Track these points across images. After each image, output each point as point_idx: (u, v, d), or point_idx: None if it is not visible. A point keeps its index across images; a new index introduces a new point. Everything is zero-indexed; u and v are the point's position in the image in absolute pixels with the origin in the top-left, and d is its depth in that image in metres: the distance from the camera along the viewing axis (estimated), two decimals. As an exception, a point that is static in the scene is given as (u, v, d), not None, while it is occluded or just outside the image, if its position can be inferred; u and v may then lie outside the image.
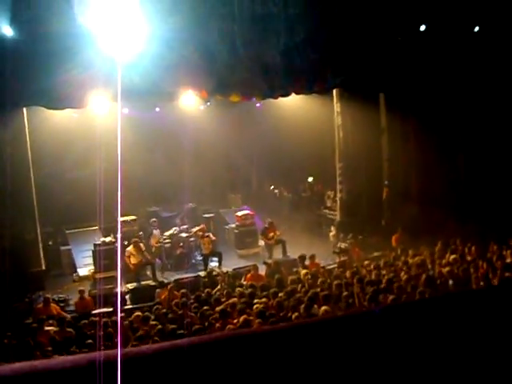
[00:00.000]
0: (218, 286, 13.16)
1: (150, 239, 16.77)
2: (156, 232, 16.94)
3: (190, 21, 13.43)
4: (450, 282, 11.45)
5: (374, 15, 15.67)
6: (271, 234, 17.11)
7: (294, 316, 9.68)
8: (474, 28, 16.73)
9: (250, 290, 11.86)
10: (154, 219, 17.71)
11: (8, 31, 12.77)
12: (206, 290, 12.55)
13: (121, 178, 4.70)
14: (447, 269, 12.19)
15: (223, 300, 11.54)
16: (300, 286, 12.06)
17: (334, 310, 9.93)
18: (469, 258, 13.41)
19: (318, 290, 11.28)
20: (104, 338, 9.66)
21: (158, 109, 20.16)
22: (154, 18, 12.66)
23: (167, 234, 17.66)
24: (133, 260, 15.15)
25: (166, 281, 14.71)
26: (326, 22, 15.36)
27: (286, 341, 1.90)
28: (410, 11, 15.90)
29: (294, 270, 14.54)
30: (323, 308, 9.84)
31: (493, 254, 13.39)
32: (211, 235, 17.02)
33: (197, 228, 17.13)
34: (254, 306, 10.49)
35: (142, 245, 15.55)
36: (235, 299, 11.28)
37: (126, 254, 15.19)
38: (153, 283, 14.91)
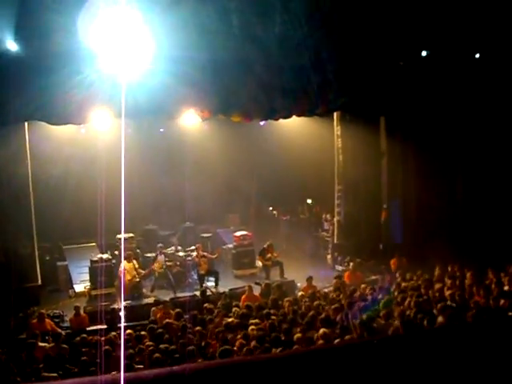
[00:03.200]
0: (207, 304, 13.09)
1: (153, 263, 16.51)
2: (160, 258, 16.56)
3: (194, 40, 13.51)
4: (449, 303, 11.39)
5: (377, 40, 15.78)
6: (268, 255, 17.10)
7: (295, 337, 9.63)
8: (474, 55, 16.86)
9: (243, 310, 11.83)
10: (160, 244, 17.34)
11: (12, 46, 12.84)
12: (205, 307, 12.53)
13: (124, 196, 4.71)
14: (448, 293, 12.16)
15: (217, 320, 11.52)
16: (296, 308, 12.02)
17: (330, 333, 9.88)
18: (466, 284, 13.37)
19: (314, 312, 11.25)
20: (98, 356, 9.61)
21: (162, 130, 20.16)
22: (158, 36, 12.73)
23: (160, 245, 17.57)
24: (126, 276, 15.11)
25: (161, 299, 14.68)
26: (328, 45, 15.47)
27: (285, 369, 1.89)
28: (413, 37, 16.02)
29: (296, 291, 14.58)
30: (321, 330, 9.79)
31: (491, 280, 13.35)
32: (209, 254, 17.02)
33: (195, 253, 16.99)
34: (249, 328, 10.45)
35: (135, 261, 15.47)
36: (229, 319, 11.29)
37: (120, 269, 15.23)
38: (149, 301, 14.85)
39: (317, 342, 9.28)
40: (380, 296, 12.64)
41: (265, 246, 17.40)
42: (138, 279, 15.49)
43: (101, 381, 1.72)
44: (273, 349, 8.97)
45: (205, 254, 16.93)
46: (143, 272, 15.94)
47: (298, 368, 1.92)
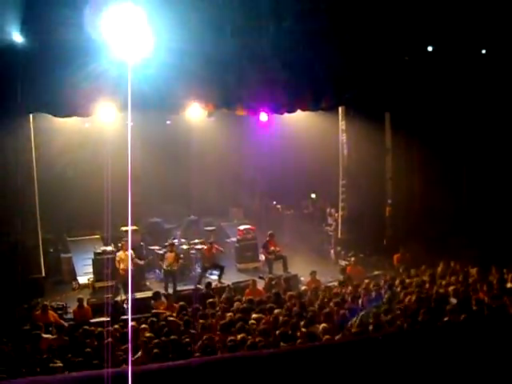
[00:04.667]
0: (212, 299, 13.10)
1: (162, 262, 16.26)
2: (168, 255, 16.28)
3: (200, 33, 13.51)
4: (453, 300, 11.38)
5: (383, 35, 15.75)
6: (272, 248, 17.12)
7: (299, 331, 9.62)
8: (481, 50, 16.80)
9: (246, 304, 11.85)
10: (170, 242, 17.27)
11: (18, 38, 12.86)
12: (208, 302, 12.57)
13: (130, 188, 4.73)
14: (450, 288, 12.16)
15: (219, 314, 11.54)
16: (299, 302, 12.03)
17: (331, 328, 9.89)
18: (470, 280, 13.37)
19: (317, 307, 11.28)
20: (101, 348, 9.64)
21: (168, 122, 20.01)
22: (163, 29, 12.72)
23: (170, 241, 17.52)
24: (122, 265, 15.14)
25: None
26: (333, 40, 15.44)
27: (291, 364, 1.90)
28: (418, 32, 15.98)
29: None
30: (322, 325, 9.81)
31: (494, 277, 13.34)
32: (219, 248, 17.08)
33: (205, 246, 16.96)
34: (250, 322, 10.48)
35: (132, 251, 15.39)
36: (231, 314, 11.30)
37: (117, 258, 15.25)
38: (150, 294, 14.85)
39: (319, 336, 9.29)
40: (383, 291, 12.65)
41: (267, 238, 17.42)
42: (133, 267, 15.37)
43: (107, 373, 1.73)
44: (280, 343, 8.99)
45: (214, 246, 16.99)
46: (140, 262, 15.88)
47: (304, 363, 1.94)
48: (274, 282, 14.84)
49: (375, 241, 18.25)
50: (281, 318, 10.55)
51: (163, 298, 13.82)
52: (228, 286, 14.77)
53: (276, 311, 11.10)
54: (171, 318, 11.38)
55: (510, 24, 15.62)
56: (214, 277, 16.43)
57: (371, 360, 2.04)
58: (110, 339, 9.65)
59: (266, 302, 12.10)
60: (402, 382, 2.14)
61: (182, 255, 17.08)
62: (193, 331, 10.36)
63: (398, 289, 12.68)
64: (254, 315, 11.02)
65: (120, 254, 15.35)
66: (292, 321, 10.29)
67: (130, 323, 10.98)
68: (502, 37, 16.17)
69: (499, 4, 15.44)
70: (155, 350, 9.05)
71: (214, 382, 1.83)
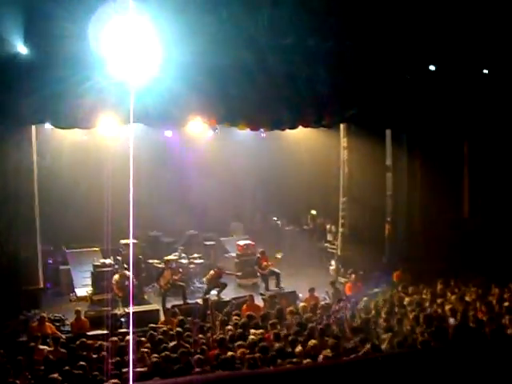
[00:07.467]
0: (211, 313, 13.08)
1: (159, 280, 16.10)
2: (166, 273, 16.04)
3: (204, 47, 13.56)
4: (451, 320, 11.34)
5: (385, 53, 15.82)
6: (264, 264, 17.13)
7: (297, 350, 9.55)
8: (482, 70, 16.89)
9: (244, 320, 11.81)
10: (170, 257, 17.26)
11: (22, 49, 12.91)
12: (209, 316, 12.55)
13: (132, 201, 4.74)
14: (448, 307, 12.12)
15: (219, 330, 11.50)
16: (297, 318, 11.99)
17: (321, 344, 9.84)
18: (468, 299, 13.32)
19: (314, 323, 11.23)
20: (98, 361, 9.61)
21: (170, 132, 19.94)
22: (166, 43, 12.78)
23: (167, 258, 17.45)
24: (118, 288, 15.01)
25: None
26: (336, 57, 15.51)
27: (290, 383, 1.89)
28: (421, 51, 16.06)
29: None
30: (312, 342, 9.76)
31: (493, 296, 13.30)
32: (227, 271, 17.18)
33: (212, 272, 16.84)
34: (250, 337, 10.43)
35: (127, 274, 15.23)
36: (230, 328, 11.26)
37: (113, 281, 15.08)
38: (149, 308, 14.81)
39: (310, 352, 9.24)
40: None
41: (258, 255, 17.46)
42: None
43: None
44: (277, 360, 8.94)
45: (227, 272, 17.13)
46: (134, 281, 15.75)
47: (304, 382, 1.93)
48: (275, 299, 14.83)
49: (375, 258, 18.18)
50: (280, 334, 10.52)
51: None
52: (229, 300, 14.73)
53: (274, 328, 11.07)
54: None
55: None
56: (213, 292, 16.35)
57: (370, 381, 2.02)
58: (106, 353, 9.62)
59: (266, 318, 12.05)
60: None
61: (180, 269, 17.02)
62: (188, 345, 10.31)
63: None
64: (253, 331, 10.99)
65: (117, 277, 15.20)
66: (290, 337, 10.24)
67: (132, 337, 10.92)
68: (503, 57, 16.25)
69: (501, 24, 15.52)
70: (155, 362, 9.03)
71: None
